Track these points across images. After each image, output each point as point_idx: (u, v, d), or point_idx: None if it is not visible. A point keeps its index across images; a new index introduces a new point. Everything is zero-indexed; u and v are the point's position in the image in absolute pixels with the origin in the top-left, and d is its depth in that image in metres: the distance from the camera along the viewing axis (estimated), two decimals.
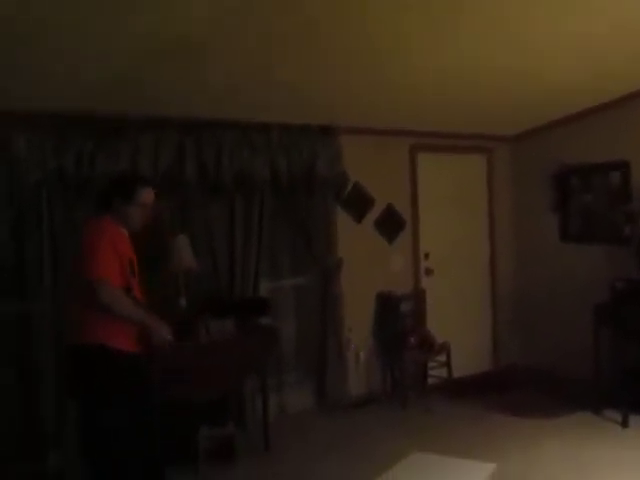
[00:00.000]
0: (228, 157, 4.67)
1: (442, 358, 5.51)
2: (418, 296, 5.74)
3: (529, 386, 5.74)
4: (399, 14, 3.30)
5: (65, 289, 3.46)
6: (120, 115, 4.24)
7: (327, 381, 5.29)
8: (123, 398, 3.16)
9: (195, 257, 4.45)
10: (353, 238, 5.43)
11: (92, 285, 3.01)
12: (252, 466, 4.20)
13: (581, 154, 5.66)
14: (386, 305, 5.59)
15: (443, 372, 5.54)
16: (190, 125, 4.54)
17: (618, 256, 5.23)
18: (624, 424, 4.66)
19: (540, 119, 5.82)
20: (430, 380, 5.71)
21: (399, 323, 5.51)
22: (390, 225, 5.71)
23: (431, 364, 5.66)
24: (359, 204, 5.53)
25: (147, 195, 3.33)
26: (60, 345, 3.95)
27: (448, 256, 6.05)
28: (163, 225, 4.47)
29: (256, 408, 4.72)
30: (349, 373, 5.39)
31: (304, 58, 3.76)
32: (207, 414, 4.33)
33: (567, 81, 4.65)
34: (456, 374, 5.57)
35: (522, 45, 3.92)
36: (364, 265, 5.50)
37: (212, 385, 4.15)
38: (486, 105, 5.15)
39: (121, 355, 3.15)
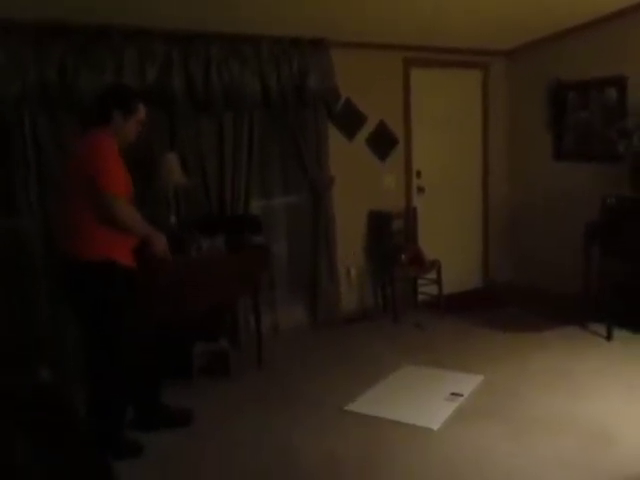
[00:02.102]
0: (217, 71, 4.54)
1: (433, 275, 5.57)
2: (410, 214, 5.74)
3: (518, 302, 5.83)
4: None
5: (58, 203, 3.45)
6: (104, 26, 4.08)
7: (319, 298, 5.35)
8: (122, 312, 3.25)
9: (186, 174, 4.40)
10: (345, 155, 5.37)
11: (106, 200, 3.07)
12: (246, 381, 4.29)
13: (577, 69, 5.55)
14: (378, 223, 5.60)
15: (434, 289, 5.62)
16: (177, 37, 4.40)
17: (611, 174, 5.21)
18: (609, 337, 4.77)
19: (536, 32, 5.66)
20: (421, 297, 5.80)
21: (391, 241, 5.53)
22: (382, 142, 5.65)
23: (422, 281, 5.73)
24: (351, 121, 5.44)
25: (142, 110, 3.31)
26: (50, 259, 3.96)
27: (440, 174, 6.02)
28: (152, 142, 4.39)
29: (249, 325, 4.80)
30: (341, 290, 5.44)
31: None
32: (201, 330, 4.40)
33: None
34: (446, 291, 5.64)
35: None
36: (356, 183, 5.47)
37: (204, 300, 4.19)
38: (481, 18, 4.99)
39: (125, 270, 3.24)
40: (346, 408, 3.80)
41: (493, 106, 6.27)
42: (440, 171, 6.02)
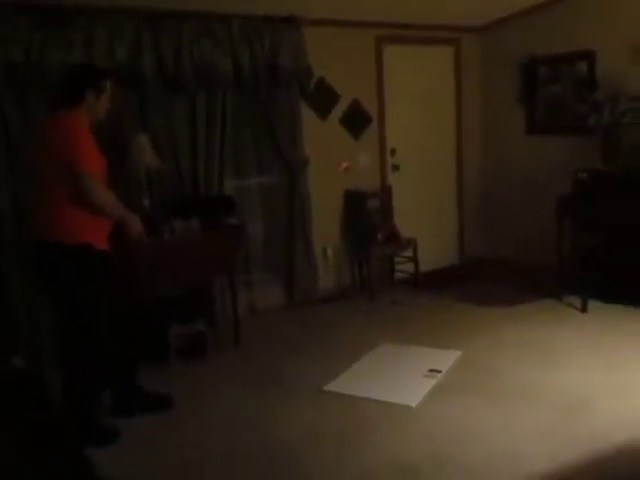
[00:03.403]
0: (188, 50, 4.47)
1: (409, 253, 5.59)
2: (385, 192, 5.73)
3: (494, 277, 5.89)
4: None
5: (32, 186, 3.39)
6: (72, 4, 3.97)
7: (295, 278, 5.34)
8: (99, 296, 3.22)
9: (158, 156, 4.33)
10: (319, 135, 5.33)
11: (82, 182, 3.03)
12: (223, 362, 4.27)
13: (548, 44, 5.57)
14: (353, 202, 5.58)
15: (410, 267, 5.64)
16: (147, 16, 4.30)
17: (583, 147, 5.26)
18: (583, 309, 4.84)
19: (507, 8, 5.66)
20: (397, 275, 5.81)
21: (366, 219, 5.53)
22: (356, 121, 5.62)
23: (398, 259, 5.74)
24: (324, 100, 5.39)
25: (111, 87, 3.28)
26: (23, 244, 3.88)
27: (414, 152, 6.01)
28: (123, 123, 4.31)
29: (225, 306, 4.77)
30: (317, 269, 5.43)
31: None
32: (177, 312, 4.36)
33: None
34: (423, 268, 5.67)
35: None
36: (331, 162, 5.44)
37: (179, 284, 4.15)
38: None
39: (101, 254, 3.21)
40: (325, 388, 3.80)
41: (466, 82, 6.26)
42: (414, 149, 6.01)
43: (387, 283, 5.70)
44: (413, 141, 5.99)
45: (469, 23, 6.02)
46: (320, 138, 5.34)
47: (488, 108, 6.31)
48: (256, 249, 5.31)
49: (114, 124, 4.01)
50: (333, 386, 3.82)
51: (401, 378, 3.89)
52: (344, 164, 5.50)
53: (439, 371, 3.92)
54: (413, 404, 3.54)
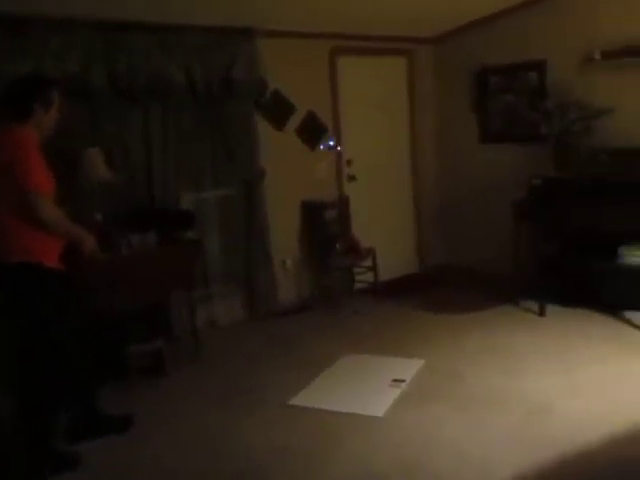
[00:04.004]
0: (140, 62, 4.39)
1: (368, 263, 5.59)
2: (342, 203, 5.73)
3: (453, 285, 5.94)
4: None
5: None
6: (23, 14, 3.86)
7: (256, 291, 5.28)
8: (60, 315, 3.14)
9: (110, 169, 4.23)
10: (275, 146, 5.30)
11: (31, 200, 2.94)
12: (184, 379, 4.18)
13: (500, 54, 5.67)
14: (311, 213, 5.56)
15: (370, 276, 5.64)
16: (100, 26, 4.21)
17: (536, 155, 5.35)
18: (541, 313, 4.91)
19: (459, 19, 5.75)
20: (358, 285, 5.80)
21: (325, 230, 5.51)
22: (312, 132, 5.61)
23: (358, 269, 5.74)
24: (279, 111, 5.37)
25: (59, 97, 3.19)
26: None
27: (371, 161, 6.03)
28: (73, 136, 4.19)
29: (185, 322, 4.67)
30: (277, 282, 5.38)
31: None
32: (135, 330, 4.24)
33: None
34: (383, 277, 5.68)
35: None
36: (287, 174, 5.41)
37: (137, 299, 4.05)
38: (406, 5, 5.03)
39: (55, 272, 3.12)
40: (290, 402, 3.75)
41: (420, 92, 6.33)
42: (370, 159, 6.03)
43: (348, 293, 5.68)
44: (369, 151, 6.01)
45: (422, 34, 6.09)
46: (276, 149, 5.31)
47: (442, 118, 6.38)
48: (215, 262, 5.23)
49: (64, 137, 3.89)
50: (299, 400, 3.77)
51: (366, 389, 3.86)
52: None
53: (403, 380, 3.91)
54: (379, 414, 3.52)
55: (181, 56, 4.60)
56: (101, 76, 4.24)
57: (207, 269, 5.07)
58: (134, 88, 4.39)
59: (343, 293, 5.63)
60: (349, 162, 5.91)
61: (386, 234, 6.10)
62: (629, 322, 4.60)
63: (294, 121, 5.48)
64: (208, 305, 5.07)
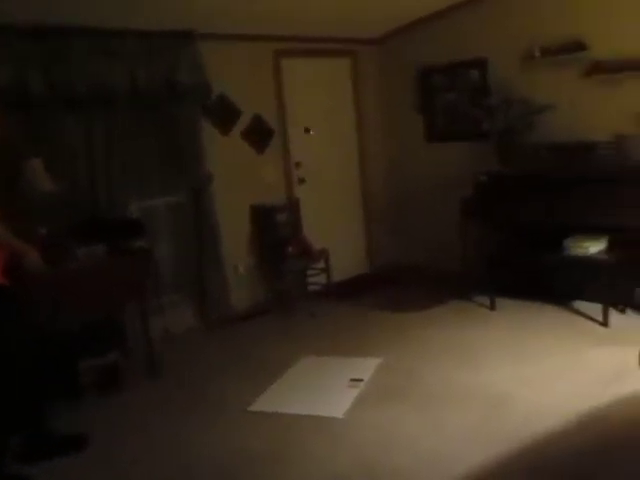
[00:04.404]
0: (80, 68, 4.28)
1: (321, 265, 5.59)
2: (293, 206, 5.72)
3: (406, 283, 5.99)
4: None
5: None
6: None
7: (208, 298, 5.22)
8: (4, 332, 3.03)
9: (54, 180, 4.10)
10: (222, 151, 5.25)
11: None
12: (140, 393, 4.08)
13: (442, 53, 5.75)
14: (261, 217, 5.52)
15: (323, 278, 5.64)
16: (35, 33, 4.08)
17: (481, 151, 5.45)
18: (492, 308, 5.00)
19: (402, 20, 5.81)
20: (311, 287, 5.80)
21: (276, 234, 5.48)
22: (258, 135, 5.57)
23: (311, 271, 5.73)
24: (225, 115, 5.32)
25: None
26: None
27: (319, 163, 6.04)
28: (12, 147, 4.05)
29: (138, 333, 4.57)
30: (230, 288, 5.33)
31: None
32: (87, 344, 4.14)
33: None
34: (336, 278, 5.69)
35: None
36: (235, 178, 5.37)
37: (87, 313, 3.95)
38: (348, 7, 5.05)
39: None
40: (250, 408, 3.72)
41: (365, 93, 6.36)
42: (319, 160, 6.03)
43: (302, 296, 5.66)
44: (317, 153, 6.02)
45: (365, 35, 6.13)
46: (223, 154, 5.26)
47: (388, 118, 6.44)
48: (166, 270, 5.14)
49: (3, 148, 3.77)
50: (258, 405, 3.74)
51: (325, 390, 3.86)
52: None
53: (361, 380, 3.92)
54: (339, 415, 3.52)
55: (123, 61, 4.49)
56: (39, 84, 4.10)
57: (158, 278, 4.98)
58: (75, 96, 4.28)
59: (297, 296, 5.61)
60: (298, 164, 5.90)
61: (337, 235, 6.11)
62: (578, 312, 4.73)
63: (240, 124, 5.43)
64: (161, 315, 4.98)
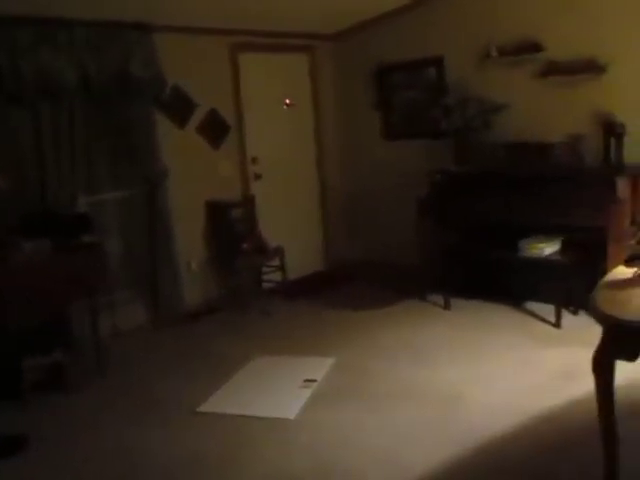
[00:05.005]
0: (25, 59, 4.10)
1: (277, 262, 5.52)
2: (248, 202, 5.63)
3: (361, 281, 5.96)
4: None
5: None
6: None
7: (160, 295, 5.11)
8: None
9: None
10: (177, 145, 5.15)
11: None
12: (87, 393, 3.95)
13: (400, 51, 5.74)
14: (216, 213, 5.43)
15: (278, 276, 5.57)
16: None
17: (438, 150, 5.46)
18: (446, 307, 5.00)
19: (359, 16, 5.77)
20: (266, 284, 5.72)
21: (231, 230, 5.39)
22: (214, 130, 5.47)
23: (266, 269, 5.65)
24: (180, 108, 5.21)
25: None
26: None
27: (276, 159, 5.96)
28: None
29: (86, 330, 4.42)
30: (182, 284, 5.21)
31: None
32: (32, 342, 3.98)
33: None
34: (292, 275, 5.63)
35: None
36: (190, 173, 5.27)
37: (32, 310, 3.80)
38: (305, 1, 4.99)
39: None
40: (199, 409, 3.63)
41: (322, 89, 6.31)
42: (276, 156, 5.96)
43: (256, 293, 5.59)
44: (274, 149, 5.94)
45: (323, 31, 6.08)
46: (179, 148, 5.16)
47: (345, 115, 6.40)
48: (116, 266, 5.00)
49: None
50: (209, 406, 3.66)
51: (277, 391, 3.79)
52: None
53: (314, 380, 3.87)
54: (291, 416, 3.46)
55: (72, 52, 4.35)
56: None
57: (109, 274, 4.83)
58: (20, 87, 4.11)
59: (252, 293, 5.53)
60: (254, 160, 5.81)
61: (294, 232, 6.05)
62: (532, 313, 4.76)
63: (196, 118, 5.33)
64: (111, 312, 4.84)
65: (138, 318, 5.06)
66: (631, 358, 2.35)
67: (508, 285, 5.02)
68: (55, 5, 4.05)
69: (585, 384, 3.41)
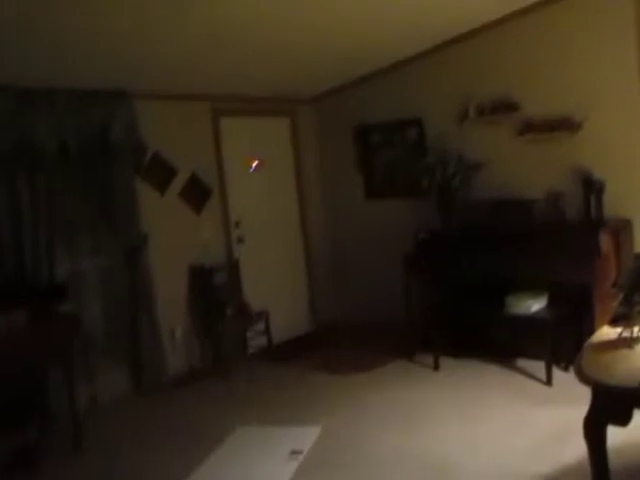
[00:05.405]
0: (3, 124, 4.10)
1: (261, 326, 5.42)
2: (232, 266, 5.57)
3: (348, 342, 5.85)
4: None
5: None
6: None
7: (143, 363, 4.98)
8: None
9: None
10: (158, 211, 5.12)
11: None
12: (60, 473, 3.75)
13: (379, 112, 5.81)
14: (199, 278, 5.35)
15: (263, 340, 5.46)
16: None
17: (421, 208, 5.47)
18: (435, 367, 4.90)
19: (337, 79, 5.86)
20: (251, 349, 5.60)
21: (214, 295, 5.31)
22: (196, 195, 5.45)
23: (250, 333, 5.55)
24: (161, 175, 5.19)
25: None
26: None
27: (259, 222, 5.94)
28: None
29: (63, 403, 4.27)
30: (166, 352, 5.10)
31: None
32: (2, 416, 3.82)
33: (361, 38, 4.69)
34: (276, 339, 5.53)
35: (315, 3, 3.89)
36: (173, 238, 5.22)
37: (6, 382, 3.67)
38: (285, 66, 5.08)
39: None
40: None
41: (304, 151, 6.34)
42: (259, 219, 5.94)
43: (241, 359, 5.46)
44: (257, 212, 5.93)
45: (303, 94, 6.15)
46: (160, 214, 5.13)
47: (328, 176, 6.42)
48: (96, 335, 4.88)
49: None
50: None
51: (262, 465, 3.64)
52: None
53: (301, 452, 3.72)
54: None
55: (52, 118, 4.35)
56: None
57: (87, 343, 4.72)
58: None
59: (237, 359, 5.41)
60: (237, 224, 5.78)
61: (279, 294, 5.98)
62: (521, 370, 4.66)
63: (177, 184, 5.31)
64: (89, 382, 4.71)
65: (119, 387, 4.92)
66: (622, 423, 2.27)
67: (496, 342, 4.95)
68: (36, 75, 4.06)
69: (578, 446, 3.31)
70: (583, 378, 2.23)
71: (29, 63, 3.87)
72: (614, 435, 2.35)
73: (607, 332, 2.57)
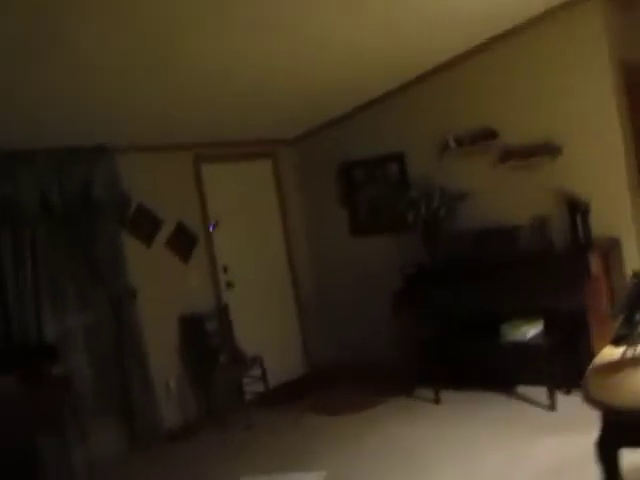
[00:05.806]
0: None
1: (256, 371, 5.32)
2: (222, 312, 5.49)
3: (344, 382, 5.76)
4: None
5: None
6: None
7: (136, 419, 4.86)
8: None
9: None
10: (145, 263, 5.07)
11: None
12: None
13: (360, 149, 5.83)
14: (190, 326, 5.27)
15: (259, 385, 5.36)
16: None
17: (407, 242, 5.46)
18: (436, 401, 4.83)
19: (318, 119, 5.91)
20: (247, 396, 5.49)
21: (206, 343, 5.22)
22: (183, 244, 5.41)
23: (246, 380, 5.45)
24: (146, 226, 5.16)
25: None
26: None
27: (247, 266, 5.89)
28: None
29: (58, 468, 4.14)
30: (160, 405, 4.98)
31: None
32: None
33: (337, 80, 4.76)
34: (272, 383, 5.43)
35: (294, 47, 3.94)
36: (161, 289, 5.15)
37: None
38: (265, 111, 5.11)
39: None
40: None
41: (287, 192, 6.35)
42: (246, 263, 5.89)
43: (239, 406, 5.35)
44: (244, 256, 5.89)
45: (284, 135, 6.18)
46: (147, 265, 5.08)
47: (313, 215, 6.40)
48: (87, 394, 4.76)
49: None
50: None
51: None
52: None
53: None
54: None
55: (33, 177, 4.32)
56: None
57: (79, 404, 4.60)
58: None
59: (234, 407, 5.30)
60: (225, 269, 5.73)
61: (271, 338, 5.90)
62: (523, 398, 4.61)
63: (163, 234, 5.27)
64: (83, 442, 4.56)
65: (114, 445, 4.78)
66: (636, 444, 2.23)
67: (496, 371, 4.89)
68: (16, 138, 4.04)
69: (587, 476, 3.25)
70: (592, 402, 2.19)
71: (9, 127, 3.85)
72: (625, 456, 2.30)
73: (610, 353, 2.54)
